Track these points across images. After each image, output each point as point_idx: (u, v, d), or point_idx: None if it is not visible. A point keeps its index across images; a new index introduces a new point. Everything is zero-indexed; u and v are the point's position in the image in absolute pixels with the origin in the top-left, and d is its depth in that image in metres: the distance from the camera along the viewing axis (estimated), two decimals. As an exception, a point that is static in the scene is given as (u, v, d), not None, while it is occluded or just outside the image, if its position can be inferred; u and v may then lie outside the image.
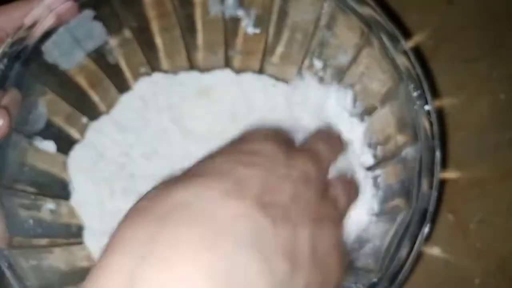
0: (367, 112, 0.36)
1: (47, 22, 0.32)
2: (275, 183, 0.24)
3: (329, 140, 0.31)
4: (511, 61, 0.44)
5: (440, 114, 0.42)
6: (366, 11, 0.32)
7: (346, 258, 0.28)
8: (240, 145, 0.28)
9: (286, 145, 0.27)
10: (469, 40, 0.44)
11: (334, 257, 0.25)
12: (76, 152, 0.38)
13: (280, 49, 0.40)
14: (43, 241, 0.33)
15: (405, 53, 0.31)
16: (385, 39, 0.31)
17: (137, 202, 0.23)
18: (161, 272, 0.19)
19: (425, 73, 0.31)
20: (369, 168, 0.35)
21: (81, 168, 0.37)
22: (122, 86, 0.39)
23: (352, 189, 0.31)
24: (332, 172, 0.30)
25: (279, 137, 0.29)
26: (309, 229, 0.24)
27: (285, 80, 0.40)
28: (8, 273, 0.29)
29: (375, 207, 0.33)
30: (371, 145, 0.36)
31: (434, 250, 0.40)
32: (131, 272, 0.19)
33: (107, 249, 0.21)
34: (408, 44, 0.31)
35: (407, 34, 0.32)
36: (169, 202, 0.22)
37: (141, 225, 0.21)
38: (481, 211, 0.41)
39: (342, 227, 0.28)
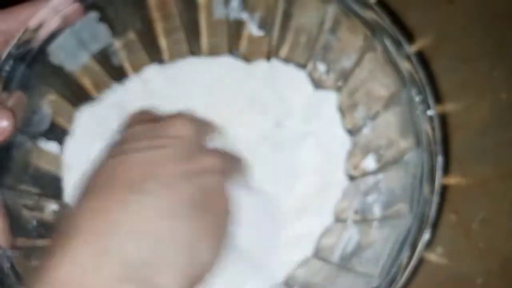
0: (370, 116, 0.36)
1: (53, 24, 0.32)
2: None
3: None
4: (512, 60, 0.44)
5: (442, 113, 0.42)
6: (369, 15, 0.32)
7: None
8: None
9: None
10: (470, 39, 0.44)
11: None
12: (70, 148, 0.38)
13: (284, 52, 0.40)
14: (46, 242, 0.34)
15: (408, 57, 0.31)
16: (388, 43, 0.31)
17: None
18: None
19: (427, 74, 0.31)
20: (371, 173, 0.35)
21: (73, 165, 0.37)
22: (126, 88, 0.40)
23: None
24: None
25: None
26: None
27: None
28: (10, 274, 0.29)
29: (377, 211, 0.33)
30: (374, 150, 0.36)
31: (436, 250, 0.40)
32: None
33: None
34: (411, 49, 0.31)
35: (408, 34, 0.32)
36: None
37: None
38: (483, 210, 0.41)
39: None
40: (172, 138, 0.29)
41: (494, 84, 0.43)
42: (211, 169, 0.29)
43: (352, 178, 0.37)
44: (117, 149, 0.29)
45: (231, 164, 0.33)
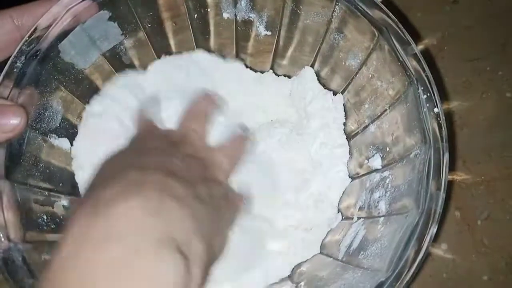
0: (376, 114, 0.36)
1: (64, 21, 0.33)
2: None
3: (197, 111, 0.35)
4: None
5: (447, 112, 0.42)
6: (377, 14, 0.32)
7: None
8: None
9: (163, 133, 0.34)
10: (475, 39, 0.45)
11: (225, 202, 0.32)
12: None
13: (290, 51, 0.40)
14: (56, 236, 0.34)
15: (415, 56, 0.31)
16: (395, 42, 0.32)
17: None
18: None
19: (432, 73, 0.31)
20: (378, 170, 0.35)
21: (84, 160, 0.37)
22: (135, 86, 0.40)
23: (237, 146, 0.36)
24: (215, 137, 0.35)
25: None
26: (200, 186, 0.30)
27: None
28: (22, 267, 0.29)
29: (383, 208, 0.34)
30: (380, 147, 0.36)
31: (441, 247, 0.40)
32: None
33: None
34: (418, 47, 0.32)
35: (413, 34, 0.32)
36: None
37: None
38: (488, 208, 0.41)
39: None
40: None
41: (499, 83, 0.44)
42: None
43: (356, 176, 0.38)
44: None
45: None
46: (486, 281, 0.40)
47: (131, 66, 0.39)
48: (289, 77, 0.41)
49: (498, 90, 0.44)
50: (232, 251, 0.32)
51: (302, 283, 0.35)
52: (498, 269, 0.40)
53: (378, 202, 0.34)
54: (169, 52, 0.40)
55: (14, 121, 0.31)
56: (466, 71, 0.44)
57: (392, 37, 0.32)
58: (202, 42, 0.41)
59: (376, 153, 0.36)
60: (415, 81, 0.31)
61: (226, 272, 0.31)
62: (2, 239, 0.29)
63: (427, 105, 0.31)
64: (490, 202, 0.41)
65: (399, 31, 0.32)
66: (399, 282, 0.29)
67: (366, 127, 0.37)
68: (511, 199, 0.41)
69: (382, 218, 0.33)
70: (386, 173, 0.35)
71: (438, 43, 0.43)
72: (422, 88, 0.31)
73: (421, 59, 0.31)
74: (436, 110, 0.30)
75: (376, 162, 0.36)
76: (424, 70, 0.31)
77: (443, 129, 0.30)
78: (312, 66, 0.39)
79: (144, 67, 0.40)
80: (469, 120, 0.42)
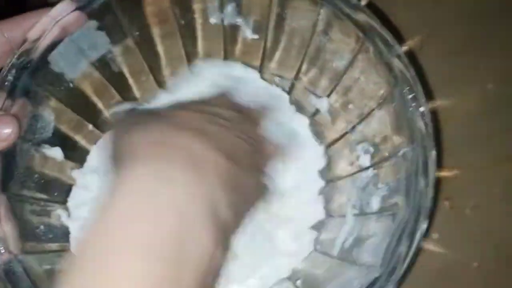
0: (364, 114, 0.37)
1: (53, 33, 0.33)
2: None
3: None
4: (497, 52, 0.45)
5: (431, 106, 0.42)
6: (361, 17, 0.33)
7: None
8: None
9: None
10: (456, 33, 0.45)
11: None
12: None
13: (278, 54, 0.41)
14: (54, 246, 0.34)
15: (399, 57, 0.32)
16: (380, 43, 0.33)
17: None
18: None
19: (416, 70, 0.32)
20: (368, 168, 0.36)
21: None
22: (125, 93, 0.40)
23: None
24: None
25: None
26: None
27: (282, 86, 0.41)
28: (23, 278, 0.30)
29: (375, 205, 0.35)
30: (369, 146, 0.37)
31: (432, 237, 0.41)
32: None
33: None
34: (401, 48, 0.32)
35: (396, 31, 0.32)
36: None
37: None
38: (475, 196, 0.42)
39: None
40: None
41: (481, 76, 0.45)
42: None
43: (347, 174, 0.39)
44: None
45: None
46: (476, 267, 0.41)
47: (120, 73, 0.40)
48: (280, 77, 0.41)
49: (480, 82, 0.44)
50: (242, 250, 0.32)
51: (299, 281, 0.36)
52: (487, 256, 0.41)
53: (369, 199, 0.35)
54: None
55: (6, 131, 0.31)
56: (448, 65, 0.44)
57: (377, 39, 0.33)
58: (190, 47, 0.41)
59: (365, 151, 0.37)
60: (400, 81, 0.32)
61: (234, 272, 0.32)
62: (2, 251, 0.30)
63: (413, 104, 0.32)
64: (477, 191, 0.42)
65: (383, 34, 0.33)
66: (393, 276, 0.30)
67: (354, 126, 0.38)
68: (497, 186, 0.42)
69: (374, 216, 0.34)
70: (376, 171, 0.35)
71: (420, 37, 0.44)
72: (407, 88, 0.32)
73: (405, 60, 0.32)
74: (421, 109, 0.31)
75: (366, 160, 0.37)
76: (408, 70, 0.32)
77: (429, 127, 0.31)
78: (300, 67, 0.40)
79: (133, 74, 0.40)
80: (453, 113, 0.43)
